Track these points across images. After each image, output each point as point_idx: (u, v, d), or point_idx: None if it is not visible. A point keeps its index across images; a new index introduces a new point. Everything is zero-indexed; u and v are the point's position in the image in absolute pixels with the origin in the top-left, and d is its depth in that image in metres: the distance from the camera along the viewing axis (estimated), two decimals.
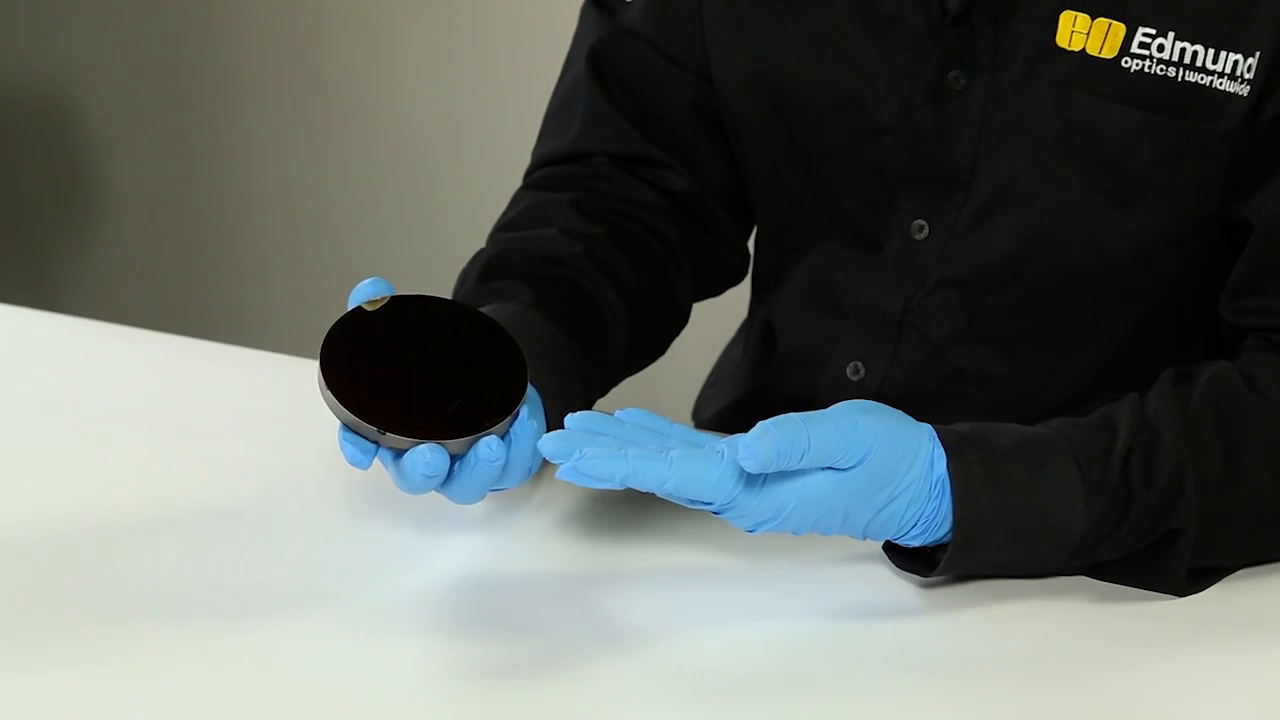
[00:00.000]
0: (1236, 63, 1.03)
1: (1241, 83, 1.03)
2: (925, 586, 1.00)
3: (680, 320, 1.25)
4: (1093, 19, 1.05)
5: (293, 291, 2.74)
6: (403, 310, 0.97)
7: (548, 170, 1.24)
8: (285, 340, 2.44)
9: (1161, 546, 0.98)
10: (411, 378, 0.95)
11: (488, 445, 0.93)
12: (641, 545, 1.05)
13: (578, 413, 0.93)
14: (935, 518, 0.94)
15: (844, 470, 0.91)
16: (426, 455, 0.92)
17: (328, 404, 0.94)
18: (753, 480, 0.90)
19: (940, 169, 1.12)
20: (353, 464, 0.94)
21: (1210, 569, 1.01)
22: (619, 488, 0.88)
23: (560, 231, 1.16)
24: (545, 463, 1.02)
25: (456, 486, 0.95)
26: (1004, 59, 1.08)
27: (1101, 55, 1.05)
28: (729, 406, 1.31)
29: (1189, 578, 0.99)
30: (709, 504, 0.90)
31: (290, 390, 1.25)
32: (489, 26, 2.46)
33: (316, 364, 0.94)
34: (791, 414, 0.90)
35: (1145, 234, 1.09)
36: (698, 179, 1.23)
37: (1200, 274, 1.11)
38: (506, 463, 0.95)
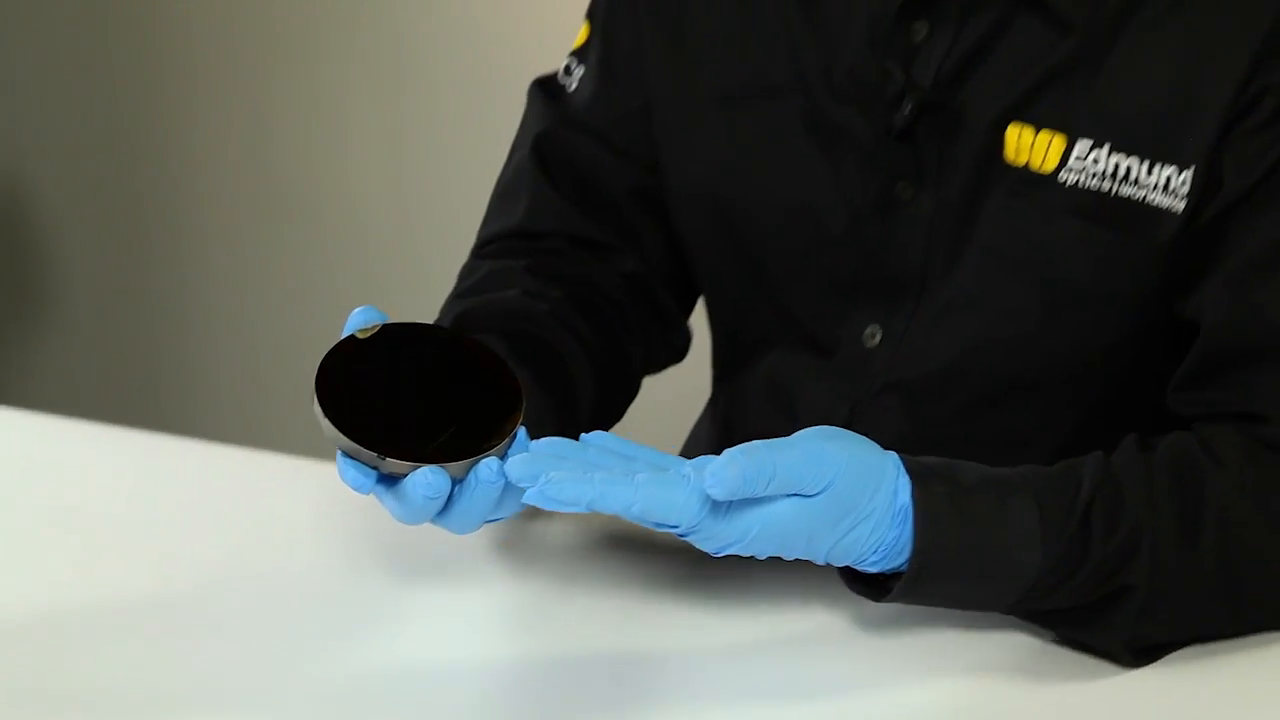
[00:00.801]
0: (1170, 177, 1.04)
1: (1176, 198, 1.04)
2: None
3: (632, 391, 1.25)
4: (1037, 131, 1.06)
5: (247, 382, 2.73)
6: (395, 338, 0.97)
7: (499, 244, 1.24)
8: (239, 432, 2.43)
9: (1111, 601, 0.99)
10: (407, 403, 0.95)
11: (488, 467, 0.92)
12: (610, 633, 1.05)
13: (544, 438, 0.94)
14: (896, 545, 0.94)
15: (809, 496, 0.91)
16: (428, 477, 0.91)
17: (325, 432, 0.93)
18: (719, 505, 0.90)
19: (891, 278, 1.13)
20: (355, 488, 0.92)
21: (1153, 645, 1.01)
22: (585, 511, 0.88)
23: (522, 293, 1.16)
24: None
25: (455, 512, 0.94)
26: (950, 172, 1.09)
27: (1042, 170, 1.06)
28: None
29: (1134, 651, 1.00)
30: (674, 527, 0.90)
31: (243, 483, 1.25)
32: (439, 109, 2.46)
33: (312, 391, 0.93)
34: (758, 441, 0.90)
35: (1085, 343, 1.10)
36: (643, 260, 1.23)
37: (1141, 376, 1.12)
38: (505, 485, 0.94)
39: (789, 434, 1.19)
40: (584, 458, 0.92)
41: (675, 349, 1.28)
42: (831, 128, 1.12)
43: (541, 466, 0.89)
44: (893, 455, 0.95)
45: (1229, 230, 1.03)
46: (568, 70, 1.24)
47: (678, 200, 1.20)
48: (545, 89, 1.25)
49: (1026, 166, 1.06)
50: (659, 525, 0.90)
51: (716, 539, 0.91)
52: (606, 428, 1.20)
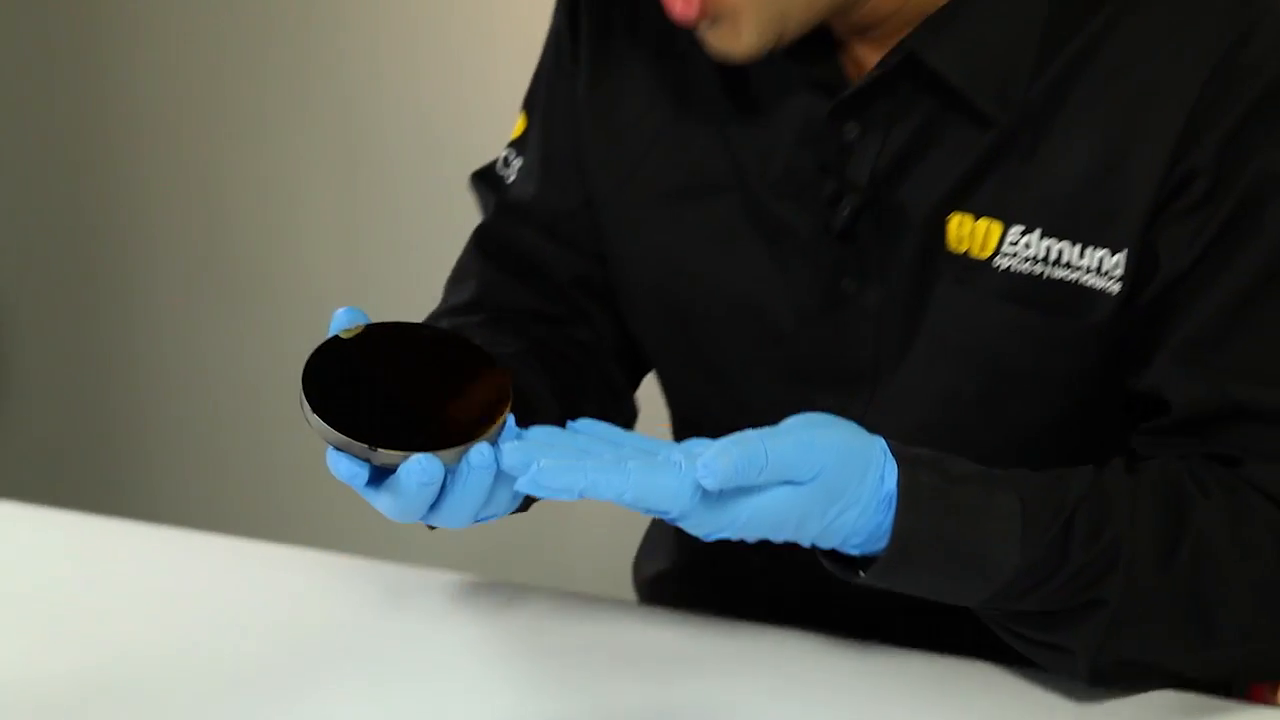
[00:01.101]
0: (1103, 259, 1.04)
1: (1111, 279, 1.04)
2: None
3: None
4: (976, 219, 1.06)
5: (203, 467, 2.71)
6: (379, 336, 0.98)
7: (452, 314, 1.24)
8: (194, 515, 2.42)
9: (1082, 611, 0.99)
10: (395, 397, 0.96)
11: (479, 452, 0.93)
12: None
13: (535, 426, 0.95)
14: (879, 530, 0.96)
15: (801, 484, 0.93)
16: (422, 463, 0.91)
17: (314, 428, 0.93)
18: (710, 492, 0.91)
19: (844, 370, 1.13)
20: (349, 480, 0.93)
21: (1116, 663, 1.01)
22: (576, 498, 0.90)
23: (486, 342, 1.16)
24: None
25: (448, 504, 0.94)
26: (894, 265, 1.09)
27: (980, 256, 1.07)
28: (671, 572, 1.30)
29: (1095, 668, 1.01)
30: (666, 513, 0.91)
31: (199, 567, 1.24)
32: (393, 189, 2.46)
33: (299, 391, 0.94)
34: (750, 431, 0.92)
35: (1029, 425, 1.11)
36: (595, 335, 1.24)
37: (1093, 444, 1.12)
38: (497, 474, 0.94)
39: None
40: (574, 444, 0.94)
41: (623, 420, 1.29)
42: (773, 224, 1.12)
43: (533, 454, 0.91)
44: (879, 440, 0.96)
45: (1174, 308, 1.04)
46: (506, 161, 1.24)
47: (627, 297, 1.21)
48: (485, 181, 1.26)
49: (967, 254, 1.07)
50: (649, 511, 0.91)
51: (707, 525, 0.92)
52: None
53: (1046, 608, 0.99)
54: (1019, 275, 1.06)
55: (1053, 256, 1.05)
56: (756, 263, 1.14)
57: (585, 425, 0.96)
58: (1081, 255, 1.05)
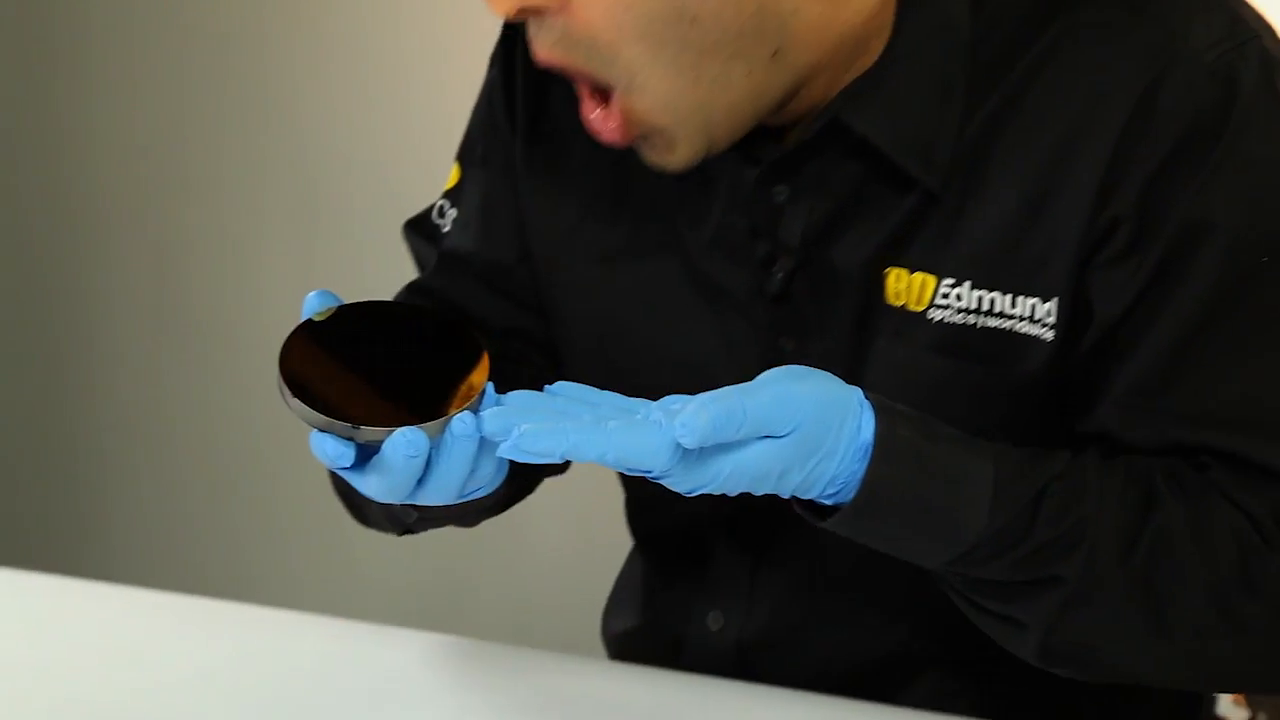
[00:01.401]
0: (1034, 306, 1.05)
1: (1044, 327, 1.05)
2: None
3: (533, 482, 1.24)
4: (911, 272, 1.07)
5: (158, 521, 2.69)
6: (352, 316, 0.99)
7: None
8: (151, 574, 2.40)
9: (1040, 586, 1.00)
10: (373, 375, 0.96)
11: (462, 421, 0.93)
12: None
13: (513, 392, 0.95)
14: (854, 479, 0.96)
15: (780, 437, 0.93)
16: (407, 435, 0.91)
17: (295, 413, 0.93)
18: (690, 450, 0.92)
19: None
20: (335, 461, 0.92)
21: (1065, 645, 1.01)
22: (559, 461, 0.90)
23: None
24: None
25: (434, 477, 0.94)
26: (832, 323, 1.10)
27: (916, 309, 1.07)
28: (640, 629, 1.30)
29: (1044, 647, 1.01)
30: (648, 471, 0.92)
31: (152, 625, 1.23)
32: (349, 241, 2.46)
33: (276, 375, 0.94)
34: (729, 387, 0.92)
35: None
36: (534, 378, 1.22)
37: None
38: (481, 442, 0.94)
39: (703, 582, 1.21)
40: (553, 407, 0.94)
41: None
42: (710, 285, 1.13)
43: (514, 419, 0.91)
44: (857, 390, 0.97)
45: (1113, 355, 1.04)
46: (440, 211, 1.24)
47: (568, 354, 1.21)
48: (419, 230, 1.25)
49: (904, 307, 1.07)
50: (632, 470, 0.92)
51: (689, 481, 0.93)
52: (525, 491, 1.22)
53: (1005, 578, 1.00)
54: (953, 326, 1.06)
55: (984, 306, 1.05)
56: (696, 323, 1.14)
57: (562, 388, 0.96)
58: (1013, 304, 1.05)
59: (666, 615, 1.26)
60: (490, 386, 0.95)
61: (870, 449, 0.95)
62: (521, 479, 1.16)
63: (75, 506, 2.75)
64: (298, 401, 0.92)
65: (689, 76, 0.99)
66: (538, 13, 0.99)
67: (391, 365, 0.97)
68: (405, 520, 1.11)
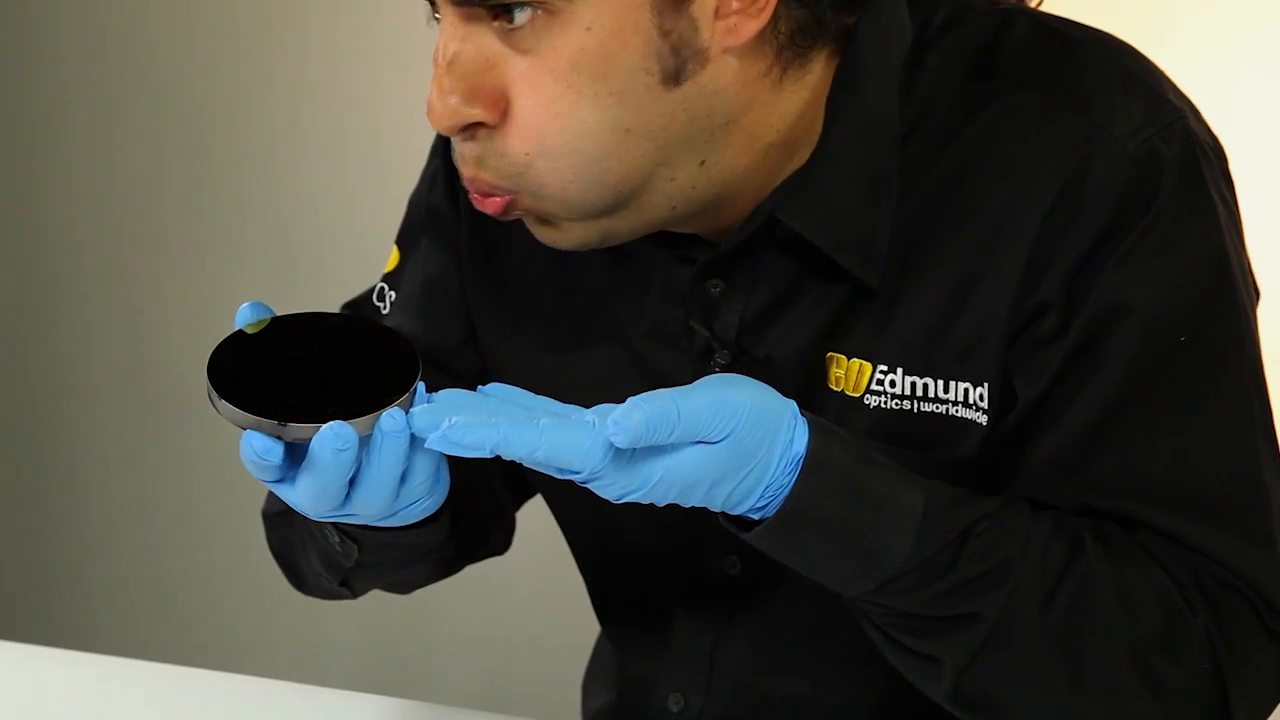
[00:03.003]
0: (968, 391, 1.04)
1: (977, 410, 1.05)
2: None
3: (485, 544, 1.23)
4: (849, 359, 1.07)
5: (134, 589, 2.69)
6: (285, 327, 0.97)
7: None
8: (121, 641, 2.38)
9: (958, 623, 0.99)
10: (304, 378, 0.94)
11: (391, 417, 0.91)
12: None
13: (444, 389, 0.93)
14: (783, 492, 0.94)
15: (713, 444, 0.92)
16: (335, 429, 0.89)
17: (222, 413, 0.91)
18: (622, 452, 0.90)
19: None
20: (262, 456, 0.90)
21: (979, 690, 1.00)
22: (488, 455, 0.88)
23: None
24: None
25: (366, 481, 0.92)
26: None
27: (854, 394, 1.07)
28: (611, 708, 1.30)
29: (957, 691, 1.00)
30: (577, 473, 0.90)
31: (128, 693, 1.22)
32: (328, 309, 2.46)
33: (205, 385, 0.92)
34: (662, 390, 0.91)
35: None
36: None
37: None
38: (412, 448, 0.92)
39: (663, 663, 1.20)
40: (485, 406, 0.92)
41: (503, 534, 1.27)
42: (655, 374, 1.12)
43: (443, 414, 0.90)
44: (791, 403, 0.95)
45: (1032, 433, 1.04)
46: (380, 294, 1.23)
47: None
48: (358, 312, 1.24)
49: (843, 392, 1.07)
50: (561, 472, 0.90)
51: (618, 486, 0.91)
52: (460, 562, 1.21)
53: (925, 611, 0.99)
54: (890, 412, 1.06)
55: (919, 392, 1.05)
56: None
57: (495, 388, 0.95)
58: (946, 389, 1.05)
59: (631, 696, 1.25)
60: (421, 386, 0.94)
61: (801, 462, 0.94)
62: (465, 529, 1.15)
63: (50, 575, 2.74)
64: (224, 402, 0.91)
65: (610, 186, 0.99)
66: (477, 127, 0.98)
67: (322, 368, 0.95)
68: (344, 564, 1.09)
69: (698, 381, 0.93)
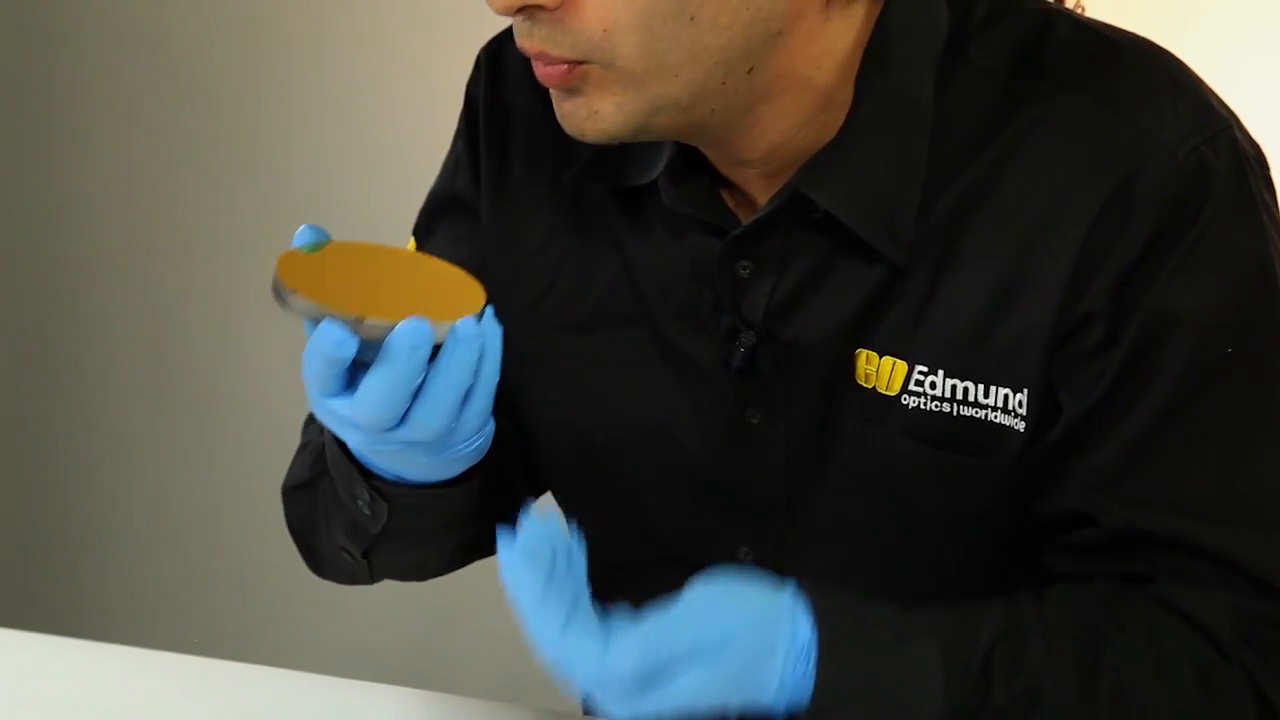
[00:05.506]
0: (1007, 396, 1.04)
1: (1015, 417, 1.04)
2: None
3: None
4: (880, 356, 1.06)
5: (154, 581, 2.69)
6: (344, 251, 0.96)
7: None
8: (138, 633, 2.39)
9: None
10: (371, 286, 0.94)
11: (467, 324, 0.92)
12: None
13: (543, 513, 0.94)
14: (802, 683, 0.94)
15: (715, 658, 0.91)
16: (415, 322, 0.90)
17: (293, 308, 0.90)
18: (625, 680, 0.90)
19: (756, 500, 1.12)
20: (338, 348, 0.90)
21: None
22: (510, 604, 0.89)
23: None
24: None
25: (434, 389, 0.92)
26: (800, 397, 1.09)
27: (888, 392, 1.06)
28: None
29: None
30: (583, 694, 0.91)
31: (148, 684, 1.23)
32: None
33: (270, 284, 0.91)
34: (650, 617, 0.91)
35: (947, 559, 1.10)
36: (498, 445, 1.19)
37: (1012, 578, 1.10)
38: (478, 369, 0.93)
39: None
40: (550, 564, 0.92)
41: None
42: (677, 355, 1.12)
43: (529, 527, 0.91)
44: (787, 591, 0.95)
45: (1079, 445, 1.03)
46: None
47: (534, 429, 1.19)
48: None
49: (874, 389, 1.06)
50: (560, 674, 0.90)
51: (626, 713, 0.91)
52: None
53: None
54: (928, 414, 1.05)
55: (959, 395, 1.05)
56: (665, 391, 1.13)
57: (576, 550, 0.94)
58: (986, 394, 1.04)
59: None
60: (491, 310, 0.94)
61: (812, 648, 0.94)
62: (489, 506, 1.15)
63: (73, 568, 2.75)
64: (298, 295, 0.90)
65: (669, 72, 0.99)
66: (536, 9, 0.98)
67: (389, 283, 0.95)
68: (371, 530, 1.09)
69: (686, 594, 0.93)
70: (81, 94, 2.58)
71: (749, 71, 1.01)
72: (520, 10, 0.98)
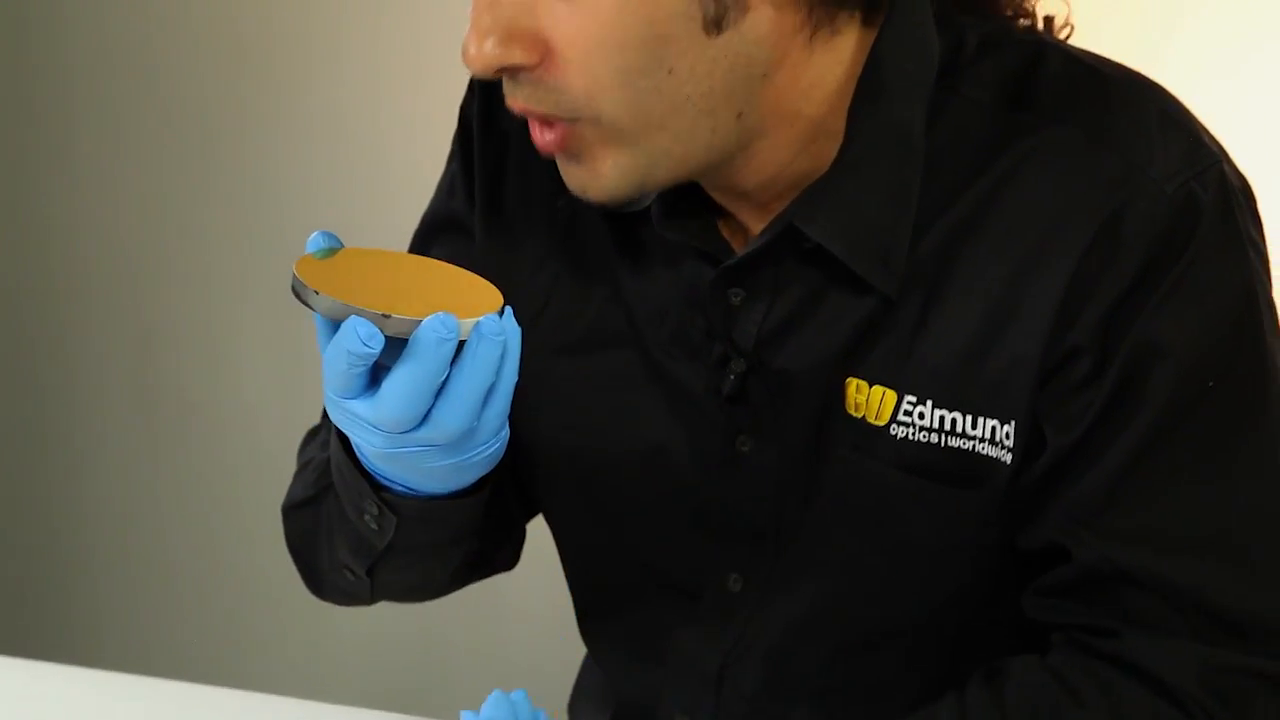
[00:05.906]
0: (995, 428, 1.04)
1: (1002, 449, 1.04)
2: None
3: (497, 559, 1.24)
4: (870, 386, 1.06)
5: (144, 605, 2.69)
6: (357, 256, 0.98)
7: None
8: (128, 658, 2.38)
9: None
10: (390, 287, 0.95)
11: (490, 320, 0.93)
12: None
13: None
14: None
15: None
16: (441, 317, 0.91)
17: (317, 308, 0.92)
18: None
19: (745, 526, 1.12)
20: (366, 343, 0.91)
21: None
22: None
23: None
24: None
25: (457, 384, 0.94)
26: (790, 426, 1.09)
27: (877, 422, 1.06)
28: None
29: None
30: None
31: (139, 711, 1.22)
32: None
33: (290, 285, 0.92)
34: None
35: (936, 592, 1.10)
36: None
37: (1001, 608, 1.11)
38: (503, 359, 0.94)
39: (659, 684, 1.18)
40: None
41: (512, 548, 1.26)
42: (669, 380, 1.12)
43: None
44: None
45: (1062, 477, 1.03)
46: None
47: (528, 448, 1.19)
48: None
49: (864, 419, 1.06)
50: None
51: None
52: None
53: None
54: (916, 444, 1.05)
55: (947, 426, 1.05)
56: (656, 416, 1.13)
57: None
58: (974, 425, 1.04)
59: (629, 717, 1.24)
60: (510, 311, 0.95)
61: None
62: (490, 523, 1.15)
63: (59, 592, 2.75)
64: (323, 295, 0.91)
65: (655, 124, 0.99)
66: (515, 70, 0.99)
67: (408, 285, 0.96)
68: (376, 545, 1.09)
69: None
70: (68, 110, 2.57)
71: (738, 116, 1.01)
72: (501, 70, 0.99)
